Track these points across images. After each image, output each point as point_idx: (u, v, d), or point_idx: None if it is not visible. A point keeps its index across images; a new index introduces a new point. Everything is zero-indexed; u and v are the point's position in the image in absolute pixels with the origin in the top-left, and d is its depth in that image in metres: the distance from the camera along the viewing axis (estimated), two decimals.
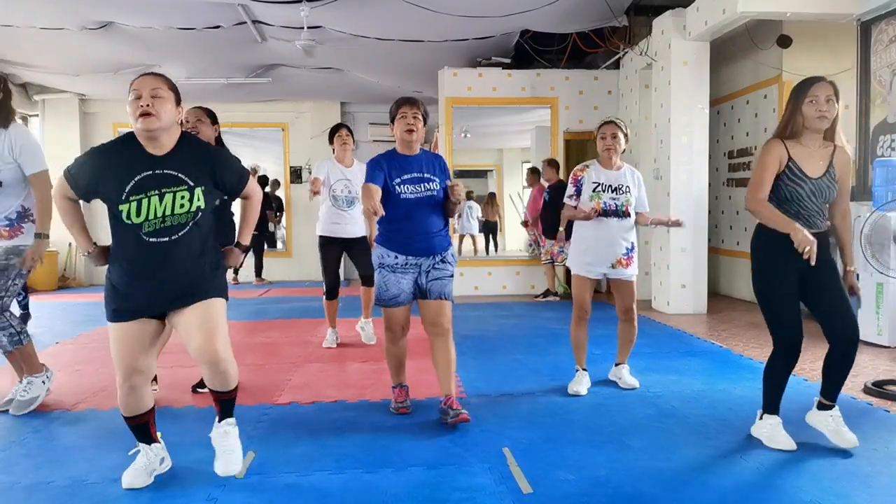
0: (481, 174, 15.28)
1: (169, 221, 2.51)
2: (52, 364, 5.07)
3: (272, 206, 11.00)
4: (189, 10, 6.65)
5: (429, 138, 11.14)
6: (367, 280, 5.41)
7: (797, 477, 2.76)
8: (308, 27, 6.80)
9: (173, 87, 2.60)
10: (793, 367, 3.07)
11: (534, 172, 9.00)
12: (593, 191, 3.99)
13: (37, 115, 10.59)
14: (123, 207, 2.48)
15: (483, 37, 7.85)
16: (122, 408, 2.65)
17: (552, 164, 8.25)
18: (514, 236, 15.11)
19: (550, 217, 7.76)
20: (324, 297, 5.46)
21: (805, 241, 2.77)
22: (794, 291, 3.00)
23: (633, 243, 4.03)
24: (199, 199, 2.55)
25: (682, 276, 7.13)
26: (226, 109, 10.94)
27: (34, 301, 6.33)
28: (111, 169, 2.52)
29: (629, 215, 4.00)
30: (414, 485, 2.71)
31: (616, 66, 8.73)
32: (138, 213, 2.48)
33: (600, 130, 4.04)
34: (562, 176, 8.12)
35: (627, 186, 4.00)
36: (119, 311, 2.56)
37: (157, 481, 2.74)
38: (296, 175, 11.29)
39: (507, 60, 8.69)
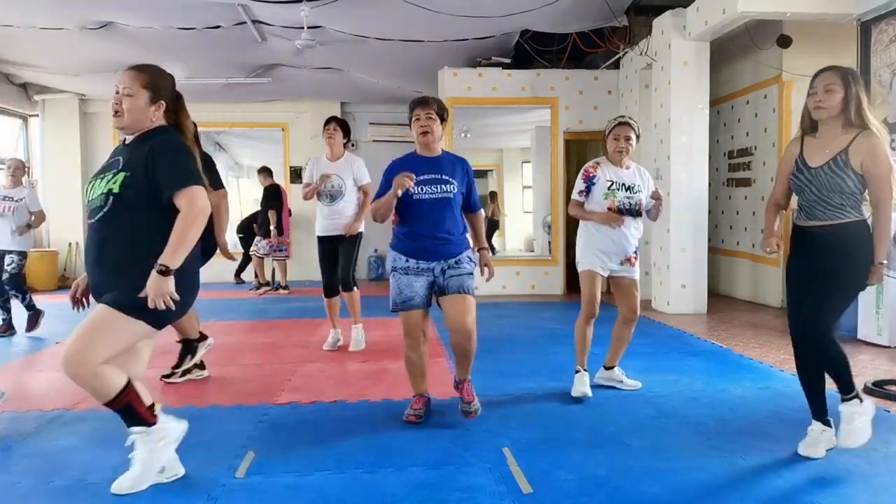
0: (481, 174, 15.30)
1: (94, 203, 2.57)
2: (51, 364, 5.08)
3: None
4: (189, 10, 6.65)
5: None
6: (345, 284, 5.30)
7: (797, 477, 2.76)
8: (308, 27, 6.80)
9: (150, 85, 2.58)
10: (797, 358, 3.01)
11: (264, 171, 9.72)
12: (608, 189, 3.90)
13: (37, 115, 10.57)
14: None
15: (483, 37, 7.85)
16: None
17: (263, 170, 9.55)
18: (514, 236, 15.11)
19: (262, 216, 9.30)
20: (323, 295, 5.41)
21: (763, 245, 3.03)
22: (795, 285, 3.05)
23: (638, 241, 4.02)
24: (114, 183, 2.51)
25: (682, 276, 7.13)
26: (226, 109, 10.97)
27: (35, 301, 6.31)
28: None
29: (641, 214, 3.95)
30: (414, 485, 2.71)
31: (616, 66, 8.72)
32: (87, 194, 2.61)
33: (614, 131, 3.93)
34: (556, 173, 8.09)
35: (640, 186, 3.94)
36: None
37: (157, 482, 2.73)
38: (296, 175, 11.27)
39: (507, 60, 8.68)
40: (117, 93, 2.57)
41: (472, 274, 3.46)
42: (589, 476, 2.78)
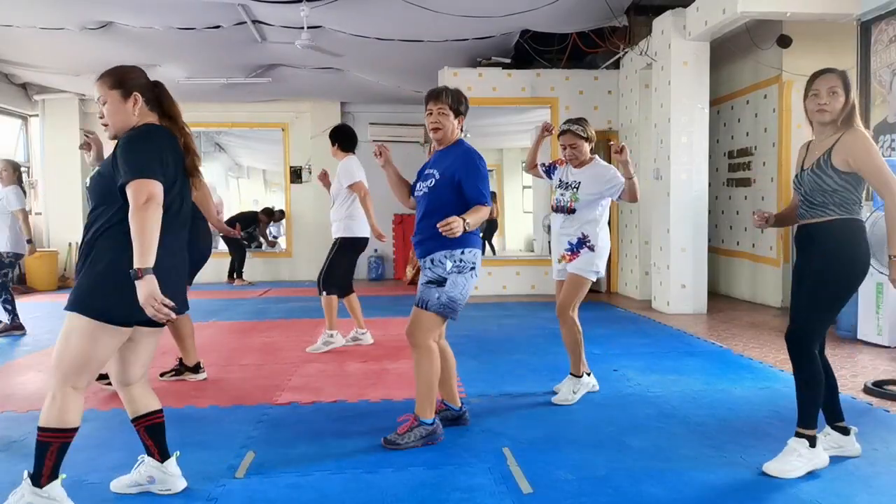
0: None
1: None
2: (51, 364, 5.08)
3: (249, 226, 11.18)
4: (189, 10, 6.65)
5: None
6: (318, 285, 5.39)
7: (797, 477, 2.76)
8: (308, 27, 6.80)
9: (117, 83, 2.47)
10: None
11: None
12: (555, 188, 4.00)
13: (37, 116, 10.57)
14: None
15: (483, 37, 7.85)
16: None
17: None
18: (514, 236, 15.11)
19: None
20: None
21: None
22: (796, 282, 2.98)
23: (578, 239, 3.83)
24: (89, 178, 2.54)
25: (682, 276, 7.13)
26: (226, 109, 10.98)
27: (35, 301, 6.29)
28: None
29: (573, 211, 3.84)
30: (414, 484, 2.71)
31: (616, 66, 8.73)
32: None
33: (560, 140, 3.94)
34: None
35: (578, 182, 3.85)
36: None
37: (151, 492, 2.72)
38: (296, 175, 11.29)
39: (507, 60, 8.69)
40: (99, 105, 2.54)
41: (434, 282, 3.14)
42: (589, 476, 2.78)
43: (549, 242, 9.28)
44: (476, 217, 3.08)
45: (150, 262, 2.24)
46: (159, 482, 2.66)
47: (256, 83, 9.56)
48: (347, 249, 5.32)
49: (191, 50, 8.08)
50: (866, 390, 3.97)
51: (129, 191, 2.30)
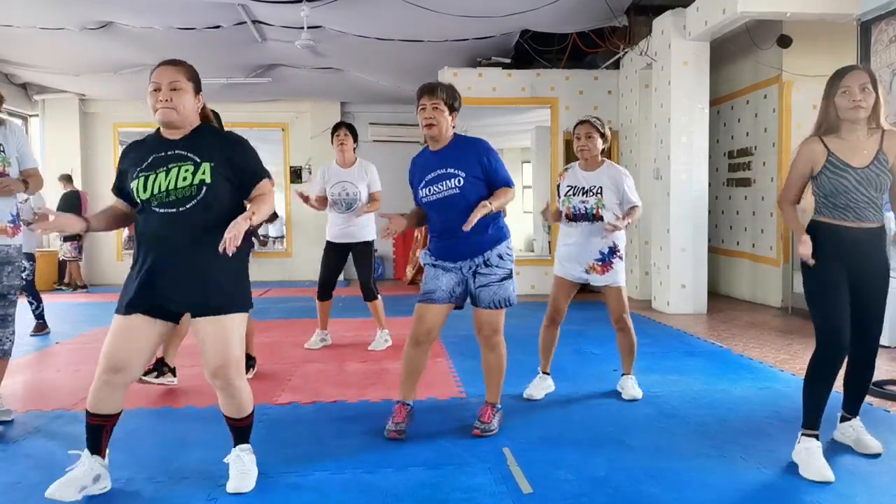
0: None
1: (173, 195, 2.48)
2: (52, 364, 5.09)
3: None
4: (189, 10, 6.65)
5: None
6: (367, 293, 5.30)
7: (797, 477, 2.75)
8: (308, 27, 6.81)
9: (193, 77, 2.62)
10: (835, 373, 2.82)
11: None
12: (565, 195, 3.85)
13: (37, 116, 10.57)
14: (133, 184, 2.53)
15: (483, 37, 7.85)
16: (88, 400, 2.55)
17: (64, 177, 9.69)
18: (515, 236, 15.09)
19: None
20: (315, 297, 5.42)
21: (801, 250, 2.82)
22: (840, 290, 2.85)
23: (609, 248, 3.78)
24: (203, 173, 2.49)
25: (682, 276, 7.13)
26: (226, 109, 10.82)
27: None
28: (130, 157, 2.63)
29: (600, 219, 3.73)
30: (414, 485, 2.71)
31: (616, 66, 8.73)
32: (145, 189, 2.50)
33: (575, 131, 3.86)
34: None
35: (599, 188, 3.75)
36: (124, 299, 2.54)
37: (157, 482, 2.73)
38: (296, 175, 11.29)
39: (507, 60, 8.69)
40: (157, 90, 2.51)
41: (507, 277, 3.25)
42: (589, 476, 2.78)
43: (549, 243, 9.31)
44: (502, 200, 3.16)
45: (257, 221, 2.53)
46: (102, 479, 2.61)
47: (256, 83, 9.56)
48: (374, 250, 5.39)
49: (191, 50, 8.06)
50: None
51: (266, 185, 2.64)
